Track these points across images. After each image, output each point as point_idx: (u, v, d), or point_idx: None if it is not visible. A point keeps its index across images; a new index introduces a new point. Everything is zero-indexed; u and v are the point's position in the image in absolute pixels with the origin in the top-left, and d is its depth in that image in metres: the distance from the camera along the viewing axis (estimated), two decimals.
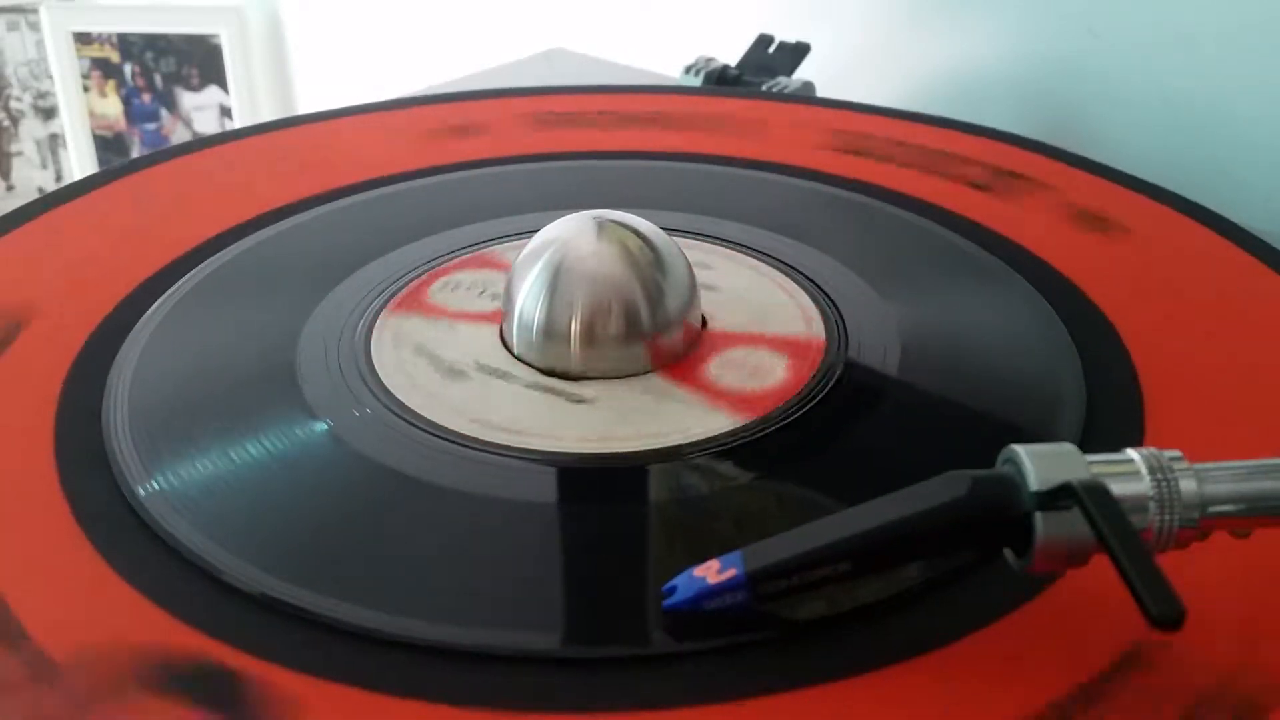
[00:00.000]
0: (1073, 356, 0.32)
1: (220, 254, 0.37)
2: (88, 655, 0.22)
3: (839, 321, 0.33)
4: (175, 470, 0.27)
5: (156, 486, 0.27)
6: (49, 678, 0.22)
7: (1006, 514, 0.21)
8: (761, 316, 0.33)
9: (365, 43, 1.02)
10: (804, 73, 0.56)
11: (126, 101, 1.20)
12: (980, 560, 0.24)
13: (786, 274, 0.35)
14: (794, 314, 0.33)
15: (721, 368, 0.31)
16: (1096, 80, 0.56)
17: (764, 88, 0.53)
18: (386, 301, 0.34)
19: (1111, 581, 0.20)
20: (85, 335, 0.33)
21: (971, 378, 0.32)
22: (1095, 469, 0.21)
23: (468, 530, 0.26)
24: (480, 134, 0.46)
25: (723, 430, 0.28)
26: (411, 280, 0.35)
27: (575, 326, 0.30)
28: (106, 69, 1.19)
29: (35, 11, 1.19)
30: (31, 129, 1.26)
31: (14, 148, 1.26)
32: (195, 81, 1.18)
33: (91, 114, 1.21)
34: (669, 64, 0.64)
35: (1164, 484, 0.21)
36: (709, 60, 0.56)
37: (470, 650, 0.22)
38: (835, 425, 0.29)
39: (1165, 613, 0.19)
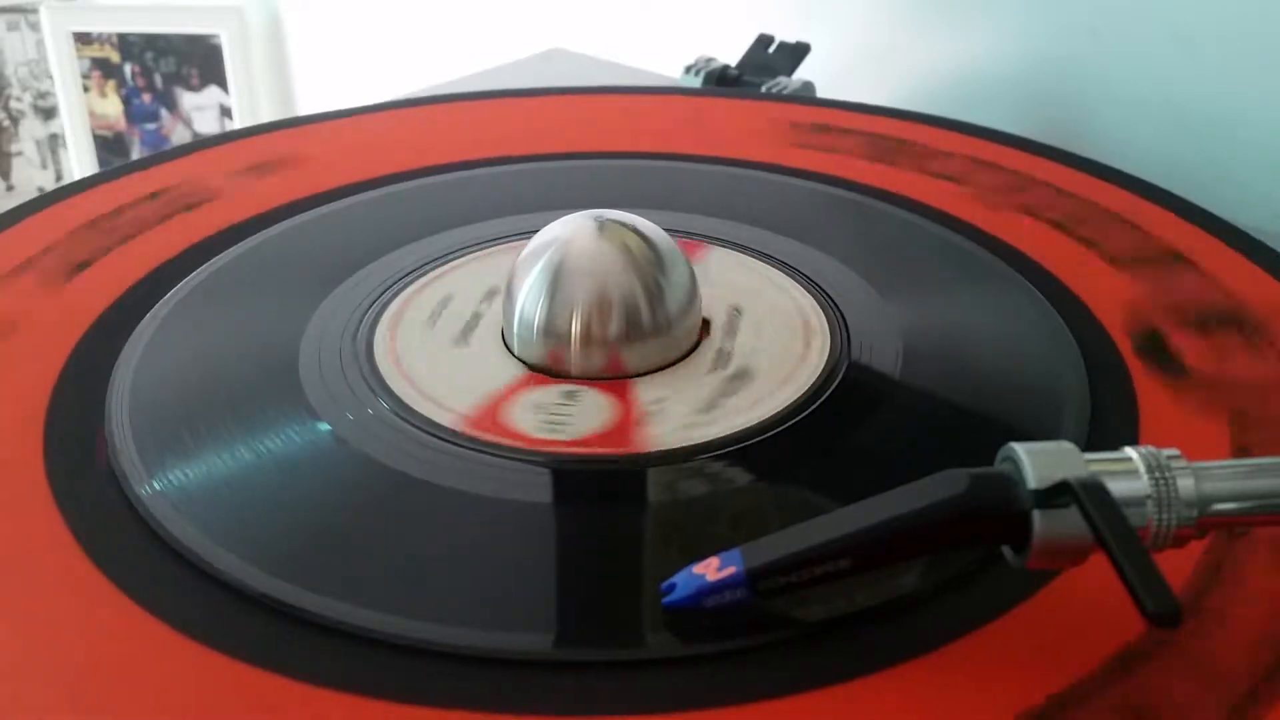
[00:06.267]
0: (1075, 356, 0.32)
1: (223, 254, 0.37)
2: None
3: (841, 321, 0.33)
4: (176, 471, 0.27)
5: (157, 487, 0.27)
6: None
7: (1004, 511, 0.21)
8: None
9: (365, 43, 1.02)
10: (804, 73, 0.56)
11: (126, 101, 1.21)
12: (979, 558, 0.24)
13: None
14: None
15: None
16: (1096, 80, 0.56)
17: (764, 88, 0.53)
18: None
19: (1109, 580, 0.20)
20: (87, 335, 0.33)
21: (974, 378, 0.32)
22: (1093, 467, 0.21)
23: (468, 531, 0.26)
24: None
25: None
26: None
27: (575, 326, 0.30)
28: (106, 69, 1.19)
29: (35, 11, 1.19)
30: (31, 129, 1.26)
31: (14, 148, 1.26)
32: (195, 81, 1.18)
33: (91, 114, 1.21)
34: (669, 64, 0.64)
35: (1162, 482, 0.21)
36: (709, 60, 0.56)
37: (470, 652, 0.22)
38: (839, 425, 0.29)
39: (1162, 610, 0.19)
